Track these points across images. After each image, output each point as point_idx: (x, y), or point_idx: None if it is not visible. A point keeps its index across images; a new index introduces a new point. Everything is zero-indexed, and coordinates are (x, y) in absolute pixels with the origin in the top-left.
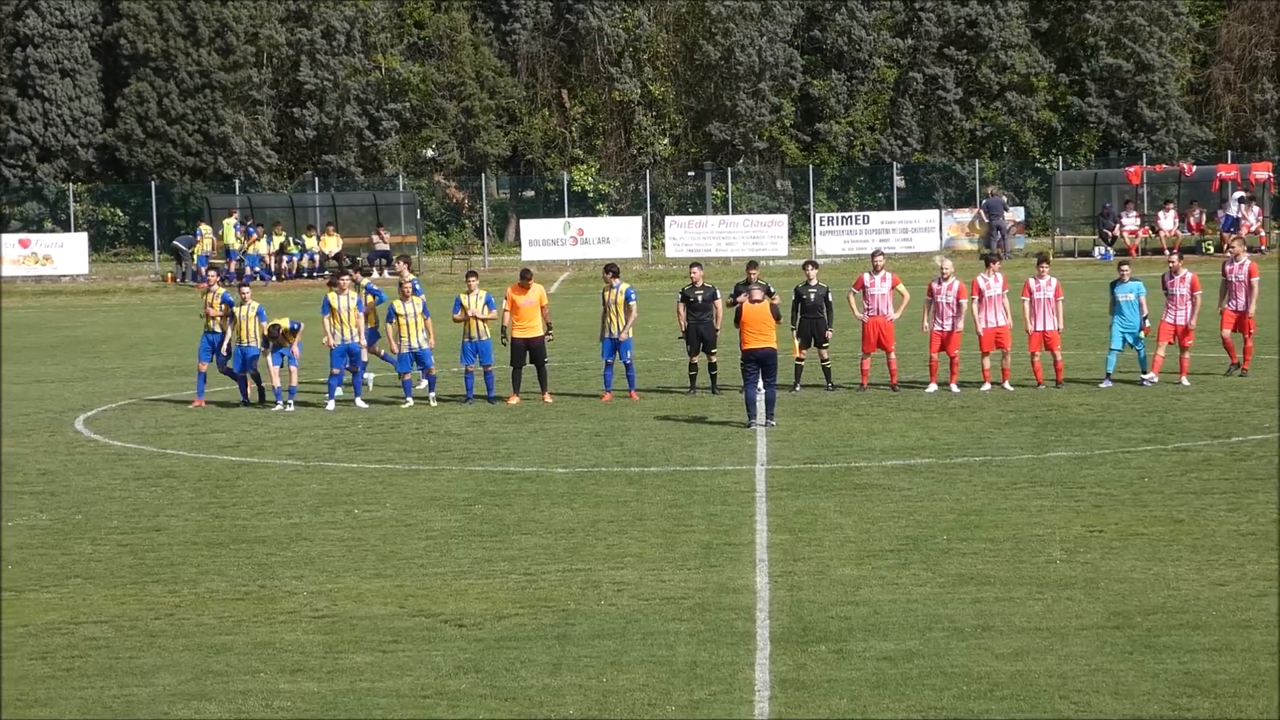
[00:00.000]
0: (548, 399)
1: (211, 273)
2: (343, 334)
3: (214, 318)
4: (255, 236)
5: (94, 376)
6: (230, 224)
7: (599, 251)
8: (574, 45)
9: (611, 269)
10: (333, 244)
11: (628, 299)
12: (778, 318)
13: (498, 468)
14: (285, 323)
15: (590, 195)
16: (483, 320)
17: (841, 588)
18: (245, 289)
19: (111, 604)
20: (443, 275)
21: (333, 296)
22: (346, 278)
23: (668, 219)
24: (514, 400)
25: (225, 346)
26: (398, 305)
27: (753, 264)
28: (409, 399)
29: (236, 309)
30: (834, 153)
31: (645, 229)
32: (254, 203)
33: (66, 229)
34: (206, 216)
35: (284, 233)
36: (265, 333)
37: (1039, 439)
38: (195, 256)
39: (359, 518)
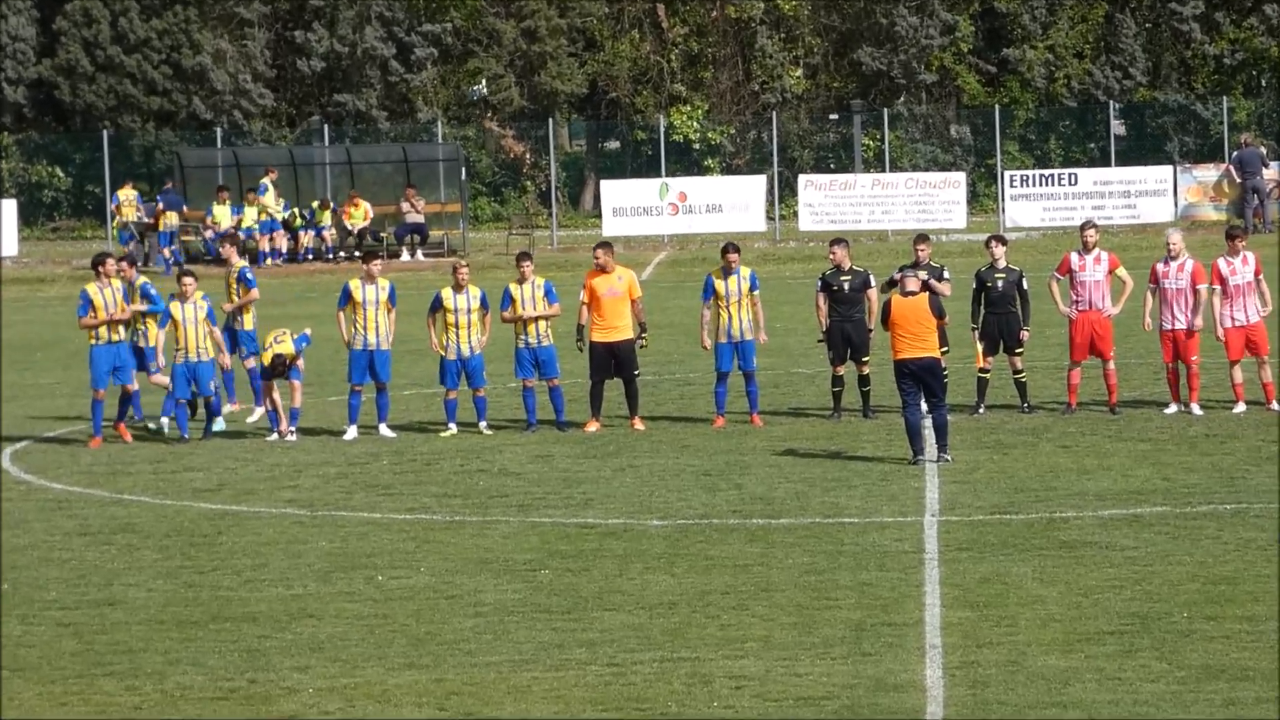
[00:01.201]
0: (638, 425)
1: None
2: (366, 337)
3: (119, 321)
4: (256, 198)
5: (25, 395)
6: (269, 191)
7: (708, 223)
8: None
9: (731, 248)
10: (359, 216)
11: (752, 288)
12: (940, 315)
13: (571, 519)
14: (288, 346)
15: (696, 147)
16: (543, 319)
17: (1043, 684)
18: (187, 279)
19: (49, 705)
20: (496, 257)
21: (356, 286)
22: (379, 261)
23: (801, 179)
24: (592, 426)
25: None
26: (446, 297)
27: (922, 238)
28: (451, 424)
29: (177, 306)
30: (1028, 89)
31: (771, 192)
32: (241, 159)
33: None
34: (177, 177)
35: (280, 198)
36: (267, 365)
37: None
38: (149, 235)
39: (384, 587)
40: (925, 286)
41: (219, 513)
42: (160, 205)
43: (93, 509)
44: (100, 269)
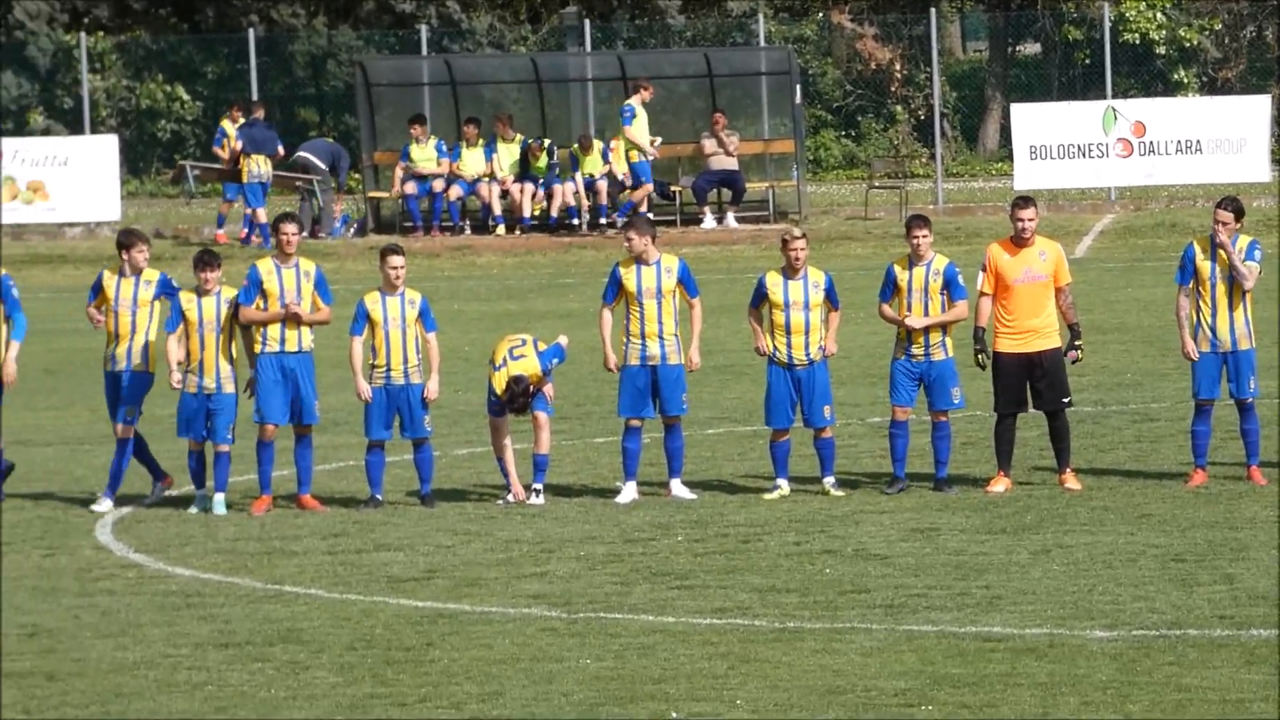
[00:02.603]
0: (1070, 482)
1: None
2: (646, 346)
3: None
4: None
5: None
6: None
7: (1179, 170)
8: None
9: (1228, 204)
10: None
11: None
12: None
13: (966, 627)
14: (531, 363)
15: (1161, 51)
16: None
17: None
18: (209, 272)
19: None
20: (848, 223)
21: (628, 273)
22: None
23: None
24: (999, 484)
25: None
26: (773, 283)
27: None
28: (781, 480)
29: (191, 303)
30: None
31: None
32: (457, 72)
33: (73, 127)
34: (361, 98)
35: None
36: (500, 392)
37: None
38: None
39: None
40: None
41: (429, 614)
42: (237, 143)
43: (238, 607)
44: (277, 234)
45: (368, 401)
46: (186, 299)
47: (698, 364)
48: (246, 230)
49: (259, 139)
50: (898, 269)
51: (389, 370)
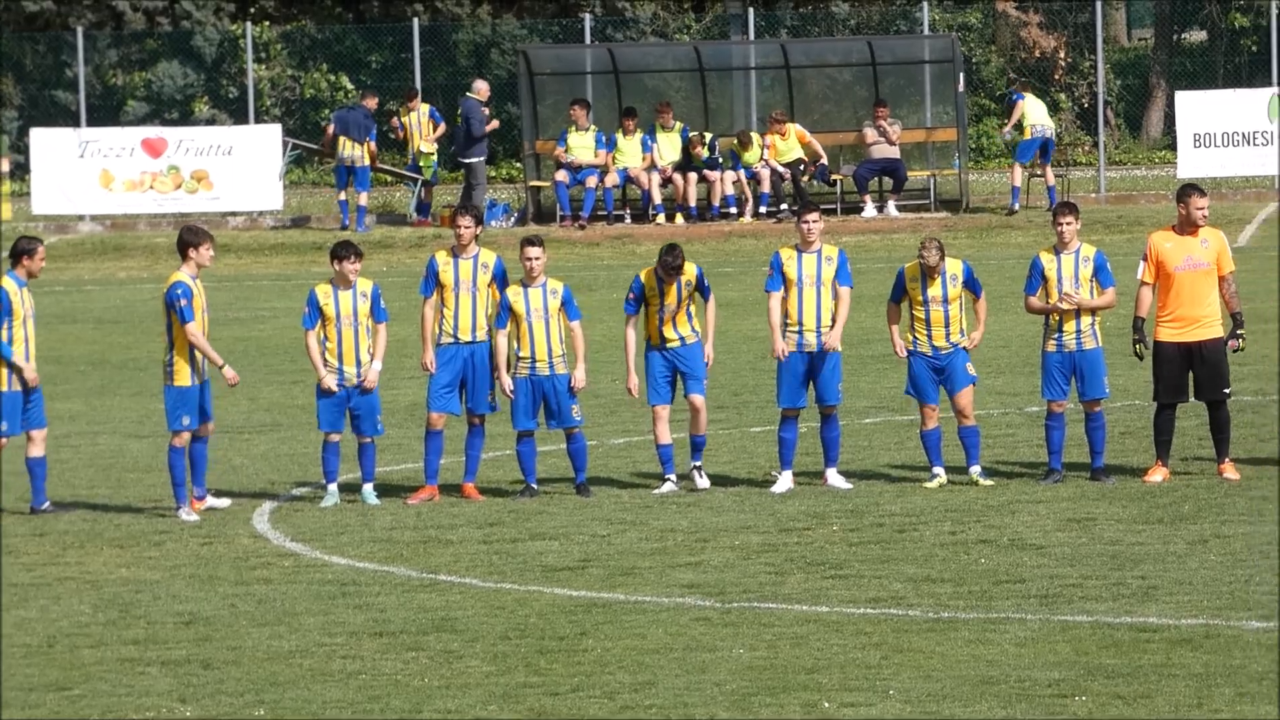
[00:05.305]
0: (1229, 472)
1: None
2: (803, 336)
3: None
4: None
5: (290, 424)
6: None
7: None
8: None
9: None
10: (788, 149)
11: None
12: None
13: (1122, 618)
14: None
15: None
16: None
17: None
18: (348, 261)
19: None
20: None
21: (789, 260)
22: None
23: None
24: (1157, 474)
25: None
26: (912, 273)
27: None
28: (938, 469)
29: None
30: None
31: None
32: (620, 61)
33: (239, 116)
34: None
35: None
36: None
37: None
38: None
39: (834, 718)
40: None
41: (583, 603)
42: (330, 128)
43: (393, 596)
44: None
45: (510, 396)
46: (324, 293)
47: (832, 346)
48: (342, 214)
49: (350, 122)
50: (1044, 258)
51: (534, 361)
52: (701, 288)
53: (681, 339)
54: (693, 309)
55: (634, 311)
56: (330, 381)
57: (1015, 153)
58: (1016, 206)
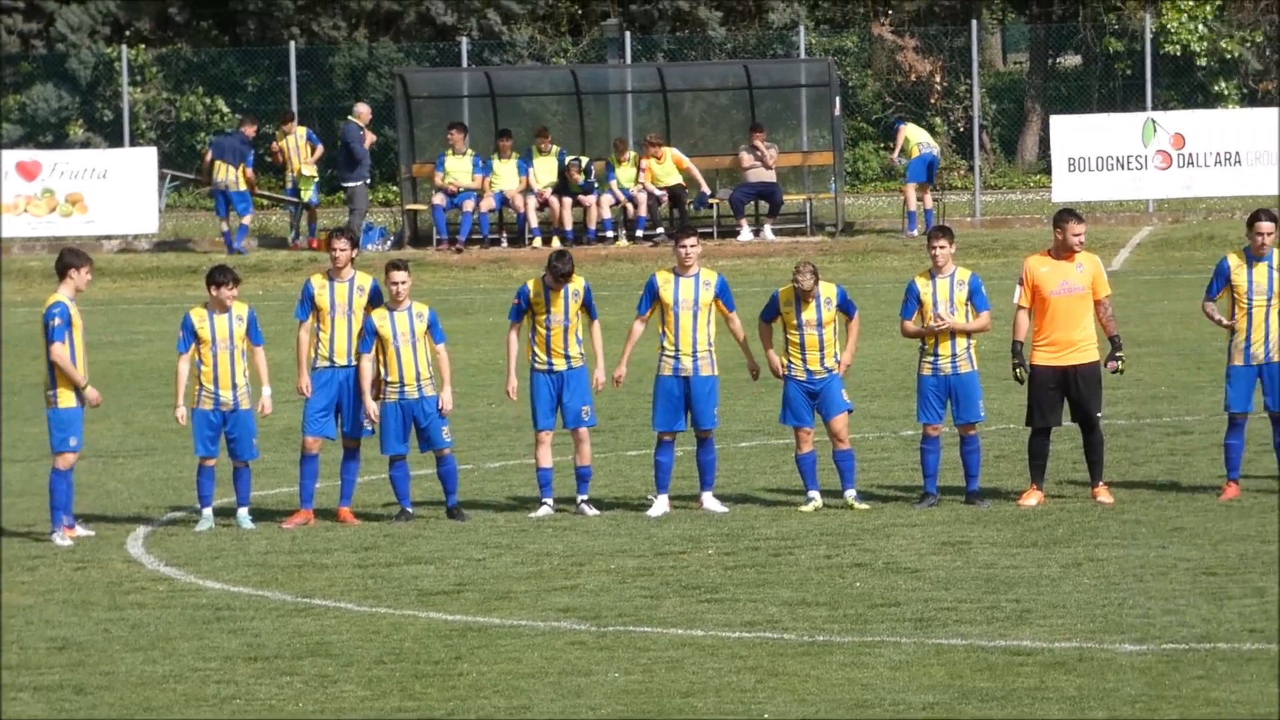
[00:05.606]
0: (1103, 496)
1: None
2: (679, 362)
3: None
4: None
5: (165, 448)
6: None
7: (1218, 182)
8: None
9: (1264, 216)
10: (664, 172)
11: None
12: None
13: (995, 641)
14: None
15: (1201, 64)
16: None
17: None
18: (225, 287)
19: None
20: (885, 238)
21: (665, 284)
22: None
23: None
24: (1031, 498)
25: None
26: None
27: None
28: (814, 493)
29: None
30: None
31: None
32: (497, 84)
33: (113, 139)
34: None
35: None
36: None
37: None
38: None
39: None
40: None
41: (458, 627)
42: (208, 154)
43: (267, 621)
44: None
45: (375, 422)
46: (199, 316)
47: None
48: (225, 243)
49: (226, 148)
50: (920, 282)
51: (402, 385)
52: (588, 304)
53: (569, 361)
54: (580, 331)
55: (517, 320)
56: (180, 413)
57: (906, 175)
58: (915, 231)
